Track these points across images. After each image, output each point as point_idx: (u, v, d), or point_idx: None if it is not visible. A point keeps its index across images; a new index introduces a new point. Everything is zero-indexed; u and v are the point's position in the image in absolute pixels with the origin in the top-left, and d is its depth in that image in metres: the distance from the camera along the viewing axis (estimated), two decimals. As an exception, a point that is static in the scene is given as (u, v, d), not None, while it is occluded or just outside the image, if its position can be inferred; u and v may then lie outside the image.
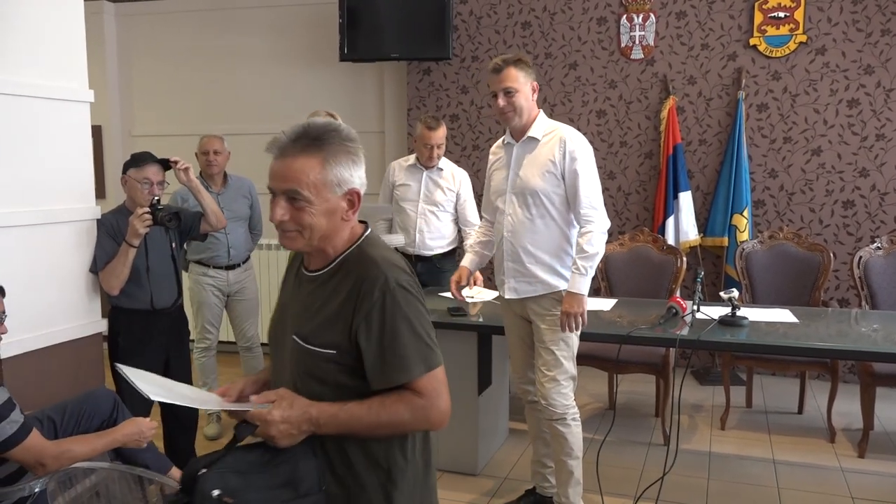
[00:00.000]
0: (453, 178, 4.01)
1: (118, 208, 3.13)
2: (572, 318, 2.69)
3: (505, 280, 2.89)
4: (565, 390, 2.79)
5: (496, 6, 5.21)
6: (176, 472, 2.75)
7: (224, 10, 5.80)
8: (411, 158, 4.06)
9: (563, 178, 2.75)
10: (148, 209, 2.96)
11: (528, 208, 2.79)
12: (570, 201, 2.77)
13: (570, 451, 2.81)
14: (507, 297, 2.89)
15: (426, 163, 3.96)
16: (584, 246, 2.71)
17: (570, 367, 2.81)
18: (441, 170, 3.99)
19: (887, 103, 4.55)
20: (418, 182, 3.99)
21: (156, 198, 3.01)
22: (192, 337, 3.77)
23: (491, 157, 3.03)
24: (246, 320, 4.08)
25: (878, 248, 4.00)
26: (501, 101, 2.75)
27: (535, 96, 2.81)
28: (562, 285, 2.78)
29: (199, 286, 3.94)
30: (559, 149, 2.74)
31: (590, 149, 2.79)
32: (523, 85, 2.76)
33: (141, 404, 2.87)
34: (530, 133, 2.81)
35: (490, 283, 5.04)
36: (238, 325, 4.09)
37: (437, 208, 3.98)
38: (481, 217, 3.19)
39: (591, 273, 2.72)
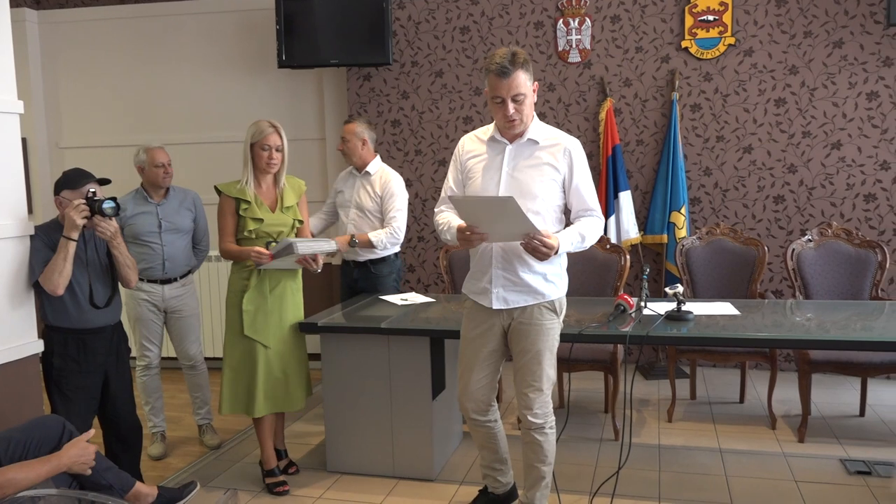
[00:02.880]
0: (382, 182, 3.94)
1: (51, 222, 2.99)
2: (540, 247, 2.51)
3: (491, 289, 2.72)
4: (548, 398, 2.77)
5: (434, 11, 5.22)
6: (142, 487, 2.67)
7: (155, 18, 5.64)
8: (350, 166, 4.07)
9: (564, 187, 2.69)
10: (83, 200, 2.84)
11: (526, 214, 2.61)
12: (573, 205, 2.71)
13: (545, 458, 2.80)
14: (494, 307, 2.73)
15: (347, 160, 4.00)
16: (588, 228, 2.66)
17: (553, 373, 2.78)
18: (369, 174, 3.95)
19: (811, 102, 4.76)
20: (351, 188, 4.00)
21: (91, 190, 2.89)
22: (133, 354, 3.66)
23: (466, 150, 2.82)
24: (186, 338, 3.95)
25: (810, 240, 4.17)
26: (511, 110, 2.57)
27: (535, 97, 2.66)
28: (552, 294, 2.72)
29: (133, 301, 3.81)
30: (564, 157, 2.65)
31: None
32: (529, 88, 2.60)
33: (79, 424, 2.77)
34: (530, 135, 2.69)
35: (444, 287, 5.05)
36: (178, 343, 3.96)
37: (364, 213, 3.94)
38: (438, 212, 2.91)
39: (573, 248, 2.65)
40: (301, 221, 3.40)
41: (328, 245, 3.29)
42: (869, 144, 4.70)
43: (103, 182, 3.01)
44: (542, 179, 2.67)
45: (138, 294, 3.79)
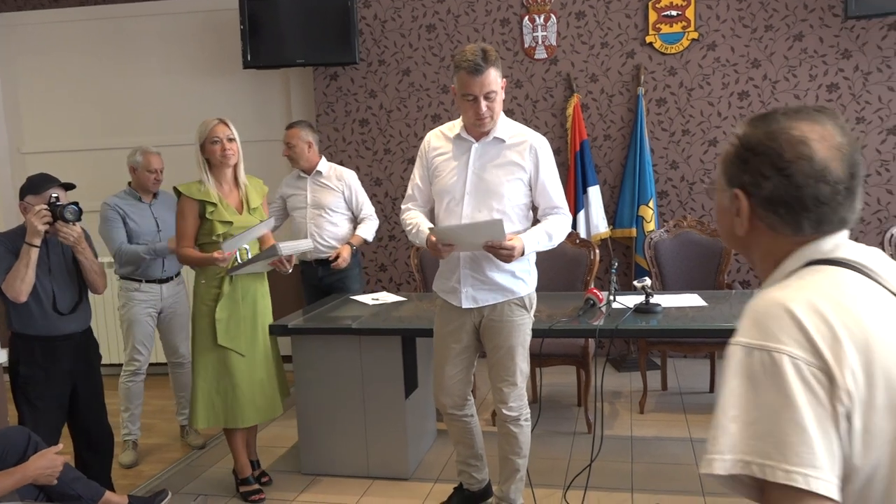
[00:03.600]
0: (338, 179, 4.12)
1: (17, 229, 2.95)
2: (508, 252, 2.53)
3: (460, 288, 2.72)
4: (522, 391, 2.78)
5: (400, 10, 5.21)
6: (111, 497, 2.64)
7: (117, 19, 5.55)
8: (295, 170, 4.20)
9: (531, 186, 2.68)
10: (46, 205, 2.80)
11: (489, 212, 2.64)
12: (540, 203, 2.71)
13: (520, 450, 2.82)
14: (464, 306, 2.73)
15: (294, 164, 4.14)
16: (554, 226, 2.67)
17: (527, 367, 2.80)
18: (320, 172, 4.11)
19: (774, 94, 4.83)
20: (304, 189, 4.12)
21: (53, 195, 2.85)
22: (119, 360, 3.64)
23: (433, 147, 2.79)
24: (178, 335, 3.95)
25: (774, 231, 4.23)
26: (483, 108, 2.54)
27: (503, 94, 2.63)
28: (522, 290, 2.72)
29: (130, 303, 3.78)
30: (530, 155, 2.64)
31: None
32: (500, 85, 2.57)
33: (47, 434, 2.73)
34: (496, 134, 2.66)
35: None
36: (169, 339, 3.96)
37: (325, 210, 4.06)
38: (405, 210, 2.89)
39: (539, 247, 2.68)
40: None
41: (306, 244, 3.33)
42: (830, 135, 4.78)
43: (68, 187, 2.97)
44: (508, 179, 2.66)
45: (136, 296, 3.77)
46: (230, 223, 3.15)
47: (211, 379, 3.20)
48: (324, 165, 4.13)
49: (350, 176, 4.15)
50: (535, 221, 2.80)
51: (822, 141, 1.05)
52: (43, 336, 2.93)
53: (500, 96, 2.61)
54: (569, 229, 2.78)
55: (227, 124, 3.20)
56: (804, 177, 1.04)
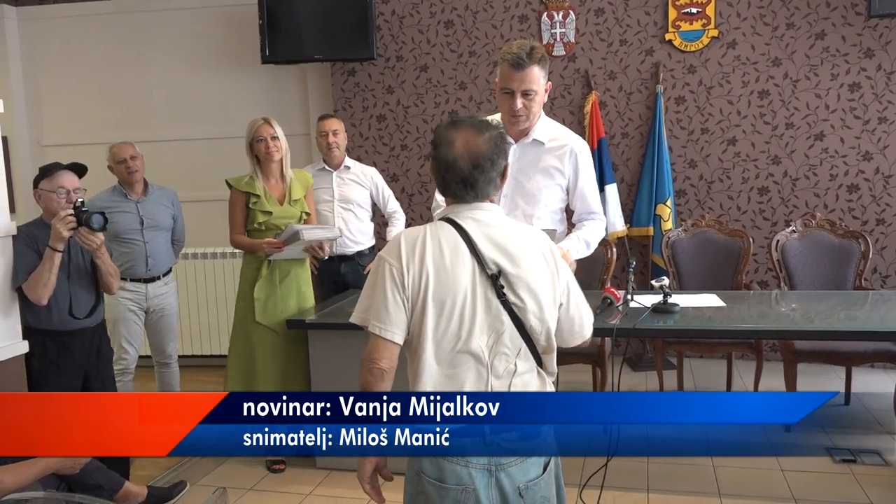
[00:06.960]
0: (364, 175, 4.15)
1: (35, 221, 2.97)
2: None
3: None
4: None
5: (418, 5, 5.21)
6: (131, 487, 2.67)
7: (137, 13, 5.59)
8: (319, 163, 4.18)
9: (569, 191, 2.66)
10: (71, 210, 2.82)
11: (525, 218, 2.61)
12: (577, 207, 2.70)
13: None
14: None
15: (328, 157, 4.09)
16: (591, 234, 2.67)
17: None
18: (349, 168, 4.13)
19: (794, 93, 4.79)
20: (329, 184, 4.10)
21: (79, 199, 2.87)
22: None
23: None
24: (164, 336, 3.89)
25: (794, 231, 4.21)
26: (519, 104, 2.48)
27: (545, 97, 2.59)
28: None
29: (114, 301, 3.74)
30: (570, 160, 2.61)
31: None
32: (542, 87, 2.51)
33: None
34: (535, 136, 2.62)
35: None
36: (156, 340, 3.89)
37: (354, 206, 4.09)
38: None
39: (577, 255, 2.67)
40: (308, 213, 3.58)
41: (332, 232, 3.56)
42: (851, 135, 4.74)
43: (77, 168, 2.98)
44: (547, 185, 2.64)
45: (120, 293, 3.72)
46: (270, 213, 3.45)
47: (245, 356, 3.50)
48: (349, 161, 4.16)
49: (374, 172, 4.21)
50: (569, 223, 2.80)
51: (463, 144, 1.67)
52: (56, 331, 2.95)
53: (541, 97, 2.55)
54: (603, 233, 2.75)
55: (270, 124, 3.47)
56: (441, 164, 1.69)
